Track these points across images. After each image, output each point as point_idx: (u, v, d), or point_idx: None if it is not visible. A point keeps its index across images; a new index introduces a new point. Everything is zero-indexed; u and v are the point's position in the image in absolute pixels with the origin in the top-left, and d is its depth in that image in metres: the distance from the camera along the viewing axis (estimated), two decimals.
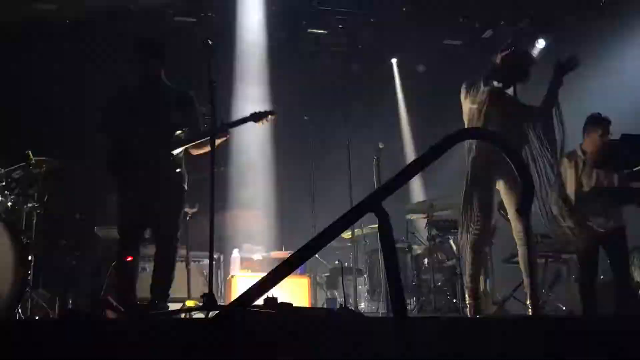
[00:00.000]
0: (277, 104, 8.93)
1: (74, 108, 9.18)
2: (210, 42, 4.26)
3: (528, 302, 4.39)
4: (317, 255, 7.01)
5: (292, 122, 10.02)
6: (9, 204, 4.98)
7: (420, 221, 7.34)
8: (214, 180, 4.15)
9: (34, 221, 5.21)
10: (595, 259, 5.36)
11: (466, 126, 4.64)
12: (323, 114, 8.44)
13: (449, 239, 6.82)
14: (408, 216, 7.40)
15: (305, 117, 6.71)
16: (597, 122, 5.43)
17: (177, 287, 5.74)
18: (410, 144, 9.87)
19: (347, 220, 1.91)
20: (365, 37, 9.60)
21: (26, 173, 5.15)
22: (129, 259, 4.38)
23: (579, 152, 5.48)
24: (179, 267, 5.78)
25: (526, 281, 4.44)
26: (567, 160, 5.45)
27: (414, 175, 2.02)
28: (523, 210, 1.91)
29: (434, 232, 6.88)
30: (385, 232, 1.83)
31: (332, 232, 1.89)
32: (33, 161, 5.19)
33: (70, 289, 6.16)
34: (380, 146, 6.67)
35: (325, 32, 9.65)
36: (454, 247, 6.68)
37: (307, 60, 10.02)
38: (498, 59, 4.52)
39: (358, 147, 9.83)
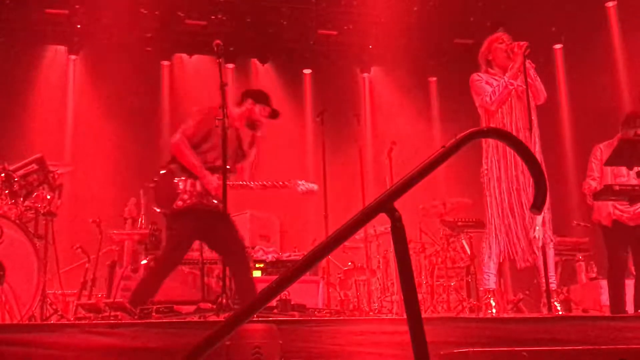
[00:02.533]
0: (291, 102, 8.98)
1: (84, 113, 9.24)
2: (221, 44, 4.28)
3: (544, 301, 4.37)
4: (329, 256, 7.00)
5: (303, 121, 10.11)
6: (23, 208, 5.01)
7: (433, 221, 7.32)
8: (225, 183, 4.17)
9: (47, 225, 5.23)
10: (625, 256, 5.32)
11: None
12: (335, 113, 8.46)
13: (462, 238, 6.78)
14: (421, 216, 7.39)
15: (317, 117, 6.70)
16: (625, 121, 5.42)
17: (191, 290, 5.75)
18: (423, 141, 9.87)
19: (359, 221, 1.88)
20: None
21: (40, 177, 5.18)
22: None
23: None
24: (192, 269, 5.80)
25: (541, 281, 4.42)
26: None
27: (427, 175, 2.00)
28: (536, 208, 1.88)
29: (447, 231, 6.86)
30: (398, 232, 1.81)
31: (344, 233, 1.87)
32: (46, 165, 5.21)
33: (84, 291, 6.18)
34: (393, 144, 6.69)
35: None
36: (467, 247, 6.65)
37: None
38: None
39: (370, 145, 9.92)
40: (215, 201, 4.59)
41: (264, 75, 10.15)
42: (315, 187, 4.87)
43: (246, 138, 4.99)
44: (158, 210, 4.67)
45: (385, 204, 1.84)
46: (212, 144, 4.64)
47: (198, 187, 4.60)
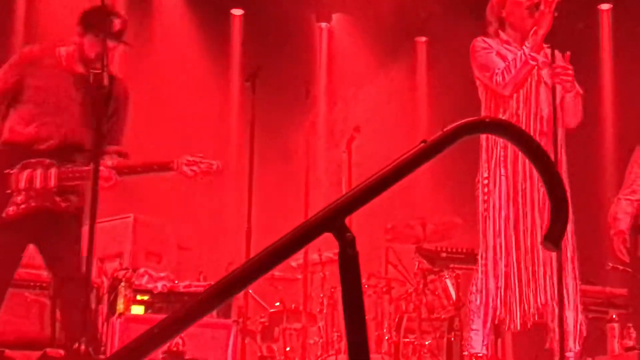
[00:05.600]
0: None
1: None
2: None
3: None
4: (250, 291, 6.98)
5: (227, 86, 10.06)
6: None
7: (406, 248, 7.40)
8: (97, 174, 4.14)
9: None
10: None
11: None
12: (274, 77, 8.48)
13: (445, 277, 6.87)
14: (388, 240, 7.45)
15: (246, 81, 6.71)
16: None
17: (35, 327, 5.68)
18: (402, 129, 9.94)
19: (295, 241, 1.92)
20: None
21: None
22: None
23: None
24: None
25: (555, 346, 4.52)
26: None
27: (396, 181, 2.05)
28: (551, 241, 1.93)
29: (424, 265, 6.93)
30: (348, 262, 1.84)
31: (273, 256, 1.90)
32: None
33: None
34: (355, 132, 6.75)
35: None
36: (452, 290, 6.74)
37: None
38: None
39: (323, 128, 9.91)
40: (64, 203, 4.55)
41: (171, 11, 10.07)
42: (213, 164, 4.73)
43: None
44: None
45: (333, 220, 1.87)
46: (40, 109, 4.63)
47: (38, 182, 4.55)
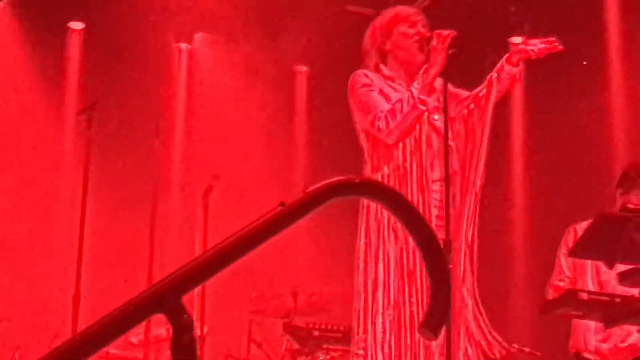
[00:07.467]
0: None
1: None
2: None
3: None
4: None
5: (61, 119, 9.90)
6: None
7: (272, 323, 7.40)
8: None
9: None
10: None
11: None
12: (116, 110, 8.42)
13: (319, 357, 6.89)
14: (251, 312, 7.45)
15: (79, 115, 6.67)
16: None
17: None
18: (276, 178, 9.97)
19: (118, 324, 1.92)
20: None
21: None
22: None
23: None
24: None
25: None
26: None
27: (248, 252, 2.09)
28: (429, 329, 1.98)
29: (293, 345, 6.93)
30: (183, 350, 1.85)
31: (103, 333, 1.90)
32: None
33: None
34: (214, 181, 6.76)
35: None
36: None
37: None
38: None
39: (179, 173, 9.82)
40: None
41: None
42: None
43: None
44: None
45: (166, 299, 1.86)
46: None
47: None
